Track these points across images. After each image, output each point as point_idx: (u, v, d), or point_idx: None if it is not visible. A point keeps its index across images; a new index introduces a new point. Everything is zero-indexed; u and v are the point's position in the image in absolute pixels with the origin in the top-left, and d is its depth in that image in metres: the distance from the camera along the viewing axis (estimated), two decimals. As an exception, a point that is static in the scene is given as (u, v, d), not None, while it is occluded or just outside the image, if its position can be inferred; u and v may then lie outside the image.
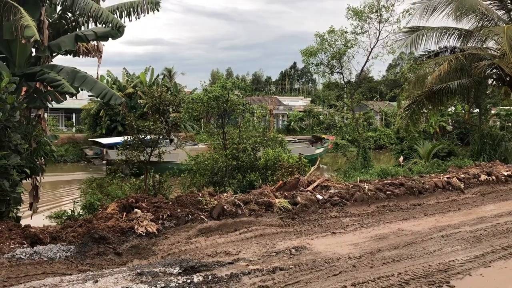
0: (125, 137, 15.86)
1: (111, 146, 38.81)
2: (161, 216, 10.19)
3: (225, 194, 12.58)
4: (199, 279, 7.51)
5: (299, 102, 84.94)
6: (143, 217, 9.90)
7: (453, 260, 8.61)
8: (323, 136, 48.29)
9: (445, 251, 9.21)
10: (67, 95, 12.24)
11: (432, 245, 9.54)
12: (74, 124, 66.23)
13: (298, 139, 51.45)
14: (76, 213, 13.23)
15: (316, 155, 39.11)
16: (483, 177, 15.92)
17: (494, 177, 16.16)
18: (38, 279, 7.42)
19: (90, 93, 13.91)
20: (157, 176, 15.77)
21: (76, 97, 13.62)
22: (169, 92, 46.59)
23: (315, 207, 12.31)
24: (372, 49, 27.37)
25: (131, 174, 16.40)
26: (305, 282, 7.64)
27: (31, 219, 12.45)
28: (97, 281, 7.23)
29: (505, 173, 16.87)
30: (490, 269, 8.28)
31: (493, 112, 47.31)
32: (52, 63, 12.93)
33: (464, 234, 10.29)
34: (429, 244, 9.65)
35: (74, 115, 67.13)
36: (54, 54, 13.15)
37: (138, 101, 51.29)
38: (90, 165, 45.57)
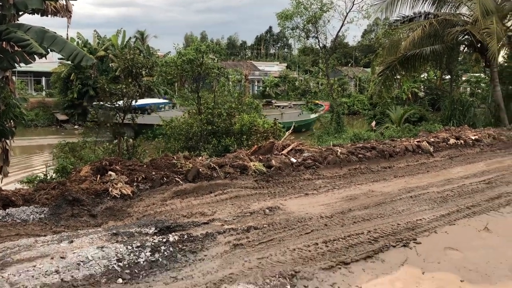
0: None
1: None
2: (135, 179, 10.21)
3: (200, 157, 12.64)
4: (174, 238, 7.63)
5: (275, 68, 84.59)
6: (117, 179, 9.89)
7: (421, 219, 8.98)
8: (317, 102, 48.57)
9: (413, 210, 9.57)
10: (35, 56, 11.83)
11: (401, 205, 9.89)
12: (44, 88, 64.32)
13: (293, 104, 51.61)
14: (48, 177, 13.07)
15: (311, 120, 39.39)
16: (452, 141, 16.40)
17: (462, 141, 16.67)
18: (12, 240, 7.41)
19: (60, 55, 13.46)
20: (131, 140, 15.66)
21: (46, 58, 13.17)
22: (142, 55, 45.60)
23: (289, 170, 12.51)
24: (347, 13, 27.33)
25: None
26: (278, 240, 7.86)
27: (1, 182, 12.26)
28: (72, 242, 7.26)
29: (473, 137, 17.42)
30: (455, 226, 8.69)
31: (463, 78, 48.28)
32: (18, 22, 12.43)
33: (432, 195, 10.69)
34: (398, 204, 10.00)
35: (43, 78, 65.04)
36: (20, 13, 12.61)
37: (110, 64, 49.96)
38: (62, 129, 44.74)
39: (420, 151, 15.31)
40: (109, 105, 15.02)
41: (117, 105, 15.05)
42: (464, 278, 6.66)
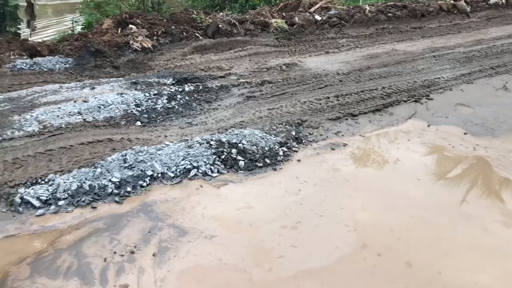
0: None
1: None
2: (155, 33, 10.29)
3: (221, 13, 12.40)
4: (190, 89, 7.96)
5: None
6: (138, 32, 10.00)
7: (439, 78, 8.87)
8: None
9: (433, 69, 9.42)
10: None
11: (422, 64, 9.72)
12: None
13: None
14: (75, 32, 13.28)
15: None
16: (492, 0, 15.24)
17: (504, 0, 15.46)
18: (40, 85, 7.92)
19: None
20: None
21: None
22: None
23: (312, 28, 12.21)
24: None
25: None
26: (291, 93, 8.06)
27: (30, 37, 12.59)
28: (94, 88, 7.70)
29: (518, -2, 16.07)
30: (472, 85, 8.58)
31: None
32: None
33: (457, 55, 10.37)
34: (419, 63, 9.82)
35: None
36: None
37: None
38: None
39: (455, 11, 14.40)
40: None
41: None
42: (468, 131, 6.80)
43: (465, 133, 6.75)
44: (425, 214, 4.92)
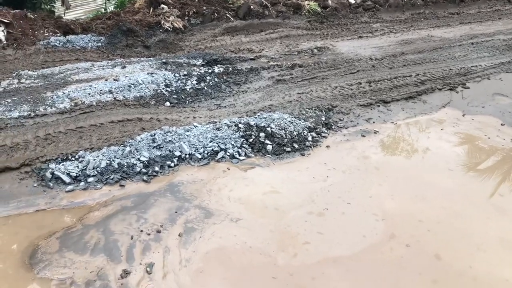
0: None
1: None
2: (187, 13, 10.24)
3: (253, -6, 12.22)
4: (220, 70, 7.91)
5: None
6: (169, 12, 9.98)
7: (476, 66, 8.54)
8: None
9: (470, 57, 9.07)
10: None
11: (459, 51, 9.37)
12: None
13: None
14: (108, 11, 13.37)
15: None
16: (537, -14, 14.51)
17: (549, -13, 14.71)
18: (72, 63, 8.02)
19: None
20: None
21: None
22: None
23: (346, 11, 11.94)
24: None
25: None
26: (322, 78, 7.92)
27: (64, 14, 12.75)
28: (125, 67, 7.75)
29: None
30: (511, 74, 8.23)
31: None
32: None
33: (496, 42, 9.95)
34: (456, 50, 9.47)
35: None
36: None
37: None
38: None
39: (497, -3, 13.81)
40: None
41: None
42: (506, 122, 6.54)
43: (502, 124, 6.49)
44: (456, 206, 4.78)
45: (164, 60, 8.16)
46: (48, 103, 6.47)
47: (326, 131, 6.13)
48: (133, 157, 5.20)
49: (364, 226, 4.43)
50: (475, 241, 4.30)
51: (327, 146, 5.82)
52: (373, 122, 6.50)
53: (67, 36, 9.02)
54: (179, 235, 4.21)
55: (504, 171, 5.54)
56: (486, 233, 4.41)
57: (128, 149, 5.30)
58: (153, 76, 7.33)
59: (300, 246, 4.16)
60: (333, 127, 6.27)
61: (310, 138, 5.88)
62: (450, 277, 3.87)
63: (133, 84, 7.04)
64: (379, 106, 6.97)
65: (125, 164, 5.10)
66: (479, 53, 9.31)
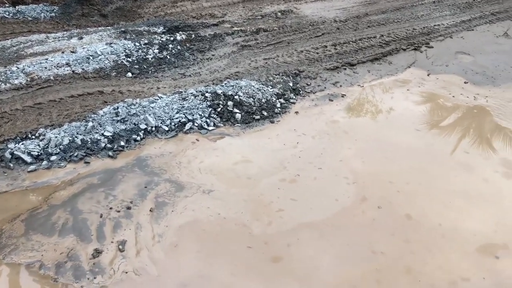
0: None
1: None
2: (144, -22, 9.78)
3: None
4: (182, 37, 7.64)
5: None
6: (125, -22, 9.49)
7: (439, 25, 8.59)
8: None
9: (433, 16, 9.11)
10: None
11: (422, 10, 9.39)
12: None
13: None
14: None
15: None
16: None
17: None
18: (25, 35, 7.57)
19: None
20: None
21: None
22: None
23: (308, -28, 11.68)
24: None
25: None
26: (287, 42, 7.78)
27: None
28: (82, 38, 7.38)
29: None
30: (473, 32, 8.33)
31: None
32: None
33: (457, 1, 10.01)
34: (419, 9, 9.49)
35: None
36: None
37: None
38: None
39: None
40: None
41: None
42: (469, 80, 6.65)
43: (465, 82, 6.60)
44: (425, 166, 4.86)
45: (123, 29, 7.81)
46: (1, 79, 6.10)
47: (294, 97, 6.06)
48: (96, 133, 5.00)
49: (336, 190, 4.45)
50: (442, 198, 4.39)
51: (296, 112, 5.77)
52: (340, 86, 6.48)
53: (16, 7, 8.48)
54: (150, 210, 4.11)
55: (468, 128, 5.66)
56: (453, 190, 4.51)
57: (90, 124, 5.09)
58: (112, 47, 7.02)
59: (274, 214, 4.15)
60: (301, 92, 6.21)
61: (278, 105, 5.81)
62: (421, 236, 3.96)
63: (91, 56, 6.72)
64: (345, 69, 6.93)
65: (89, 140, 4.91)
66: (441, 11, 9.37)
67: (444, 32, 8.25)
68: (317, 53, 7.37)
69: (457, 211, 4.24)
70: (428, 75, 6.80)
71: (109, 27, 8.14)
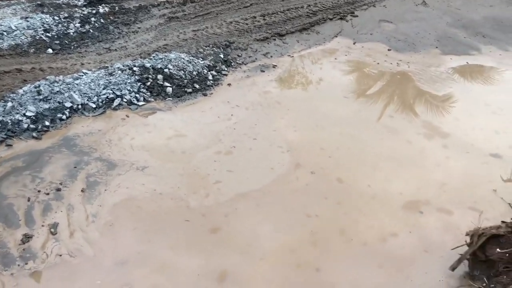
0: None
1: None
2: None
3: None
4: (105, 10, 7.27)
5: None
6: None
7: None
8: None
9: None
10: None
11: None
12: None
13: None
14: None
15: None
16: None
17: None
18: None
19: None
20: None
21: None
22: None
23: None
24: None
25: None
26: (216, 13, 7.66)
27: None
28: (-8, 12, 6.81)
29: None
30: (394, 1, 8.58)
31: None
32: None
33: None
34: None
35: None
36: None
37: None
38: None
39: None
40: None
41: None
42: (392, 47, 6.94)
43: (389, 49, 6.89)
44: (353, 131, 5.06)
45: (39, 2, 7.30)
46: None
47: (226, 69, 6.02)
48: (17, 113, 4.69)
49: (271, 159, 4.53)
50: (371, 161, 4.62)
51: (229, 84, 5.75)
52: (271, 57, 6.52)
53: None
54: (82, 190, 3.97)
55: (393, 93, 5.94)
56: (380, 153, 4.75)
57: (10, 104, 4.76)
58: (28, 21, 6.54)
59: (211, 186, 4.16)
60: (232, 64, 6.18)
61: (210, 77, 5.75)
62: (352, 198, 4.16)
63: (5, 32, 6.24)
64: (275, 39, 6.96)
65: (9, 121, 4.60)
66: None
67: (368, 1, 8.49)
68: (247, 24, 7.33)
69: (384, 172, 4.48)
70: (354, 43, 7.01)
71: (23, 0, 7.56)
